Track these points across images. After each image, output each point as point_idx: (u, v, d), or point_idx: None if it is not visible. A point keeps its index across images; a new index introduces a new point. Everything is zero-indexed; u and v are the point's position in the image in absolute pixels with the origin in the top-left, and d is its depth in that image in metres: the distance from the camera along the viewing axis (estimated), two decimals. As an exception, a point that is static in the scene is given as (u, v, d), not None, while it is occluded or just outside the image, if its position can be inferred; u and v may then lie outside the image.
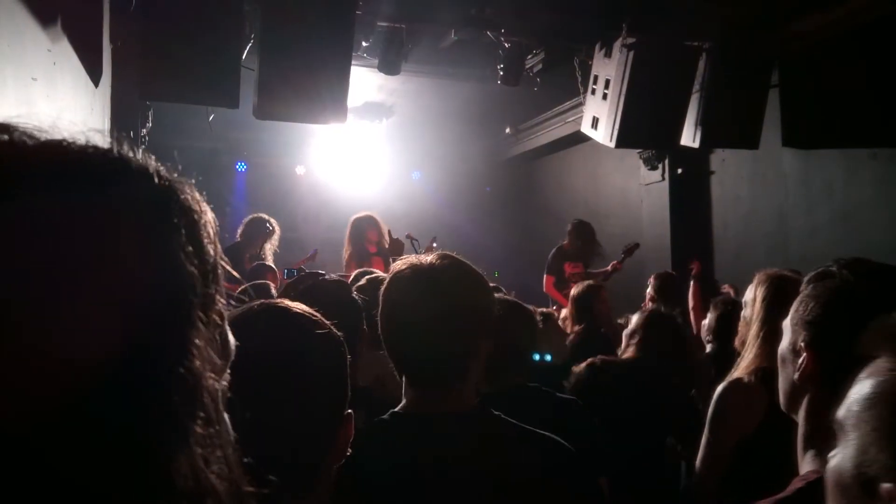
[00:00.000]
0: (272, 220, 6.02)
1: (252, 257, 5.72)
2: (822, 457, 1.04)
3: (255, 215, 6.10)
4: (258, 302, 1.07)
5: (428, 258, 1.42)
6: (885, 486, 0.73)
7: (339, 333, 1.06)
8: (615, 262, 6.00)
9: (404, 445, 1.34)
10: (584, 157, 8.30)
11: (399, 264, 1.44)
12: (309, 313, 1.06)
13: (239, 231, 6.06)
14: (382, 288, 1.43)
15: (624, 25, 5.05)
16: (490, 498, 1.28)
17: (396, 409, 1.41)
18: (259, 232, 5.91)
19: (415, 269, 1.40)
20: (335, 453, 1.02)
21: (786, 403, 1.20)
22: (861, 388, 0.80)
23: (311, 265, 6.05)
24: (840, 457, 0.80)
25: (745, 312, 2.24)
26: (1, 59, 2.42)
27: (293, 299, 1.87)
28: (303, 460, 0.97)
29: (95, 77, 4.04)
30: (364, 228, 5.77)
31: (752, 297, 2.14)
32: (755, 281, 2.18)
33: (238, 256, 5.81)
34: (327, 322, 1.06)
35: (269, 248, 5.90)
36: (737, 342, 2.30)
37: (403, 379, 1.40)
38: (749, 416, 1.96)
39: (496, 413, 1.39)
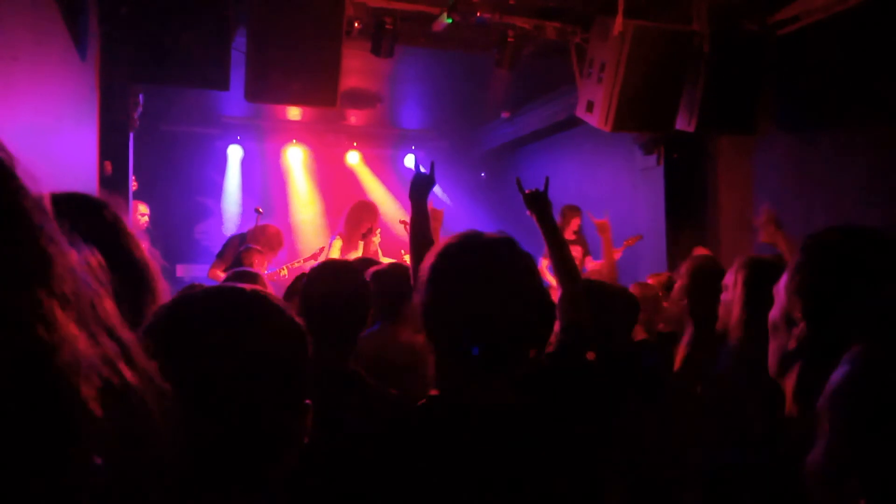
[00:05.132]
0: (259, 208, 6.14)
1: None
2: (805, 422, 1.04)
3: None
4: (201, 288, 0.96)
5: (482, 235, 1.33)
6: (852, 481, 0.72)
7: (293, 317, 0.95)
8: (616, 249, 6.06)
9: (449, 436, 1.21)
10: (577, 143, 8.27)
11: (453, 240, 1.32)
12: (257, 295, 0.95)
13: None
14: (437, 261, 1.29)
15: (620, 8, 4.99)
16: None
17: (438, 396, 1.26)
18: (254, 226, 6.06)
19: (476, 243, 1.29)
20: (289, 445, 0.93)
21: (775, 369, 1.20)
22: (836, 377, 0.79)
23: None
24: (814, 451, 0.80)
25: (726, 296, 2.25)
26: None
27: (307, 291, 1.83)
28: (249, 451, 0.89)
29: (83, 60, 3.98)
30: (360, 216, 5.80)
31: (734, 280, 2.16)
32: (735, 265, 2.19)
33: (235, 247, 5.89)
34: (280, 304, 0.96)
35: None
36: (719, 326, 2.31)
37: (450, 361, 1.26)
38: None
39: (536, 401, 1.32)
